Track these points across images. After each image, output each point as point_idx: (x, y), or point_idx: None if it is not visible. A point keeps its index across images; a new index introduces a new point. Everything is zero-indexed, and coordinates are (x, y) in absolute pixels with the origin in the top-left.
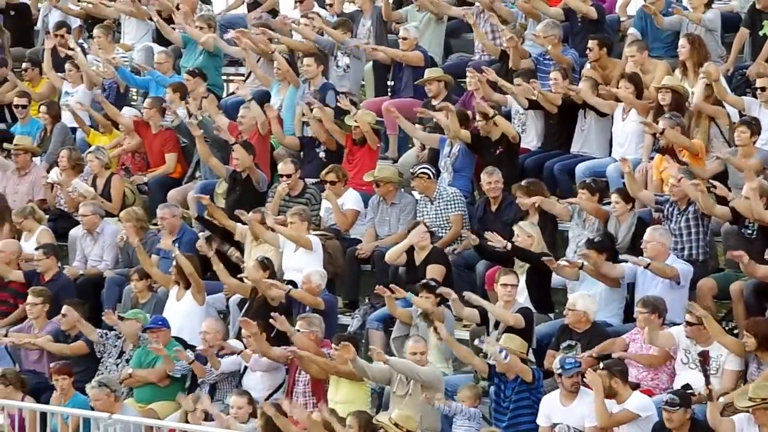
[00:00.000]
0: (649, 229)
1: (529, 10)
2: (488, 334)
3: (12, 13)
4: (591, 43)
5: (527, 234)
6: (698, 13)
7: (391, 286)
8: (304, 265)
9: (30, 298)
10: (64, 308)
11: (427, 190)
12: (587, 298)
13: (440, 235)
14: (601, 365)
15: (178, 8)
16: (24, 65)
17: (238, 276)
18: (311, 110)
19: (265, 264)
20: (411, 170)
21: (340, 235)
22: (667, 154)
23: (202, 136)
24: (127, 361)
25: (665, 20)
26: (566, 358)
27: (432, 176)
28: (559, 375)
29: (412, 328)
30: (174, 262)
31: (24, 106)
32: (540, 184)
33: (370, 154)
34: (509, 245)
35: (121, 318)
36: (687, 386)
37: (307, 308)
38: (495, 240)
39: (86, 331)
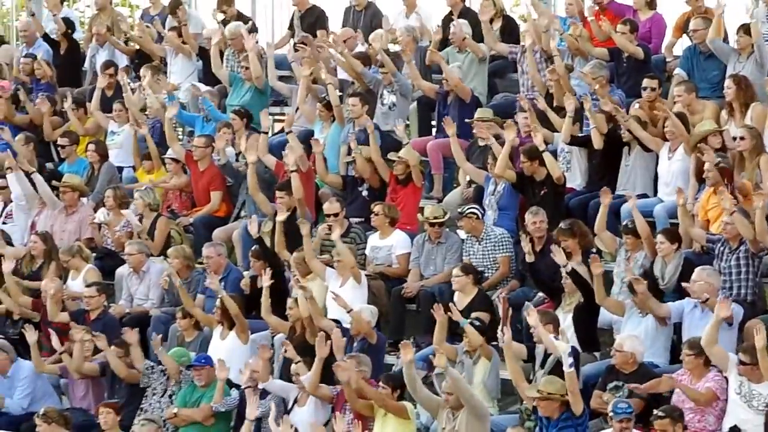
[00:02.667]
0: (697, 269)
1: (577, 46)
2: (534, 372)
3: (62, 50)
4: (649, 82)
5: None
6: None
7: (449, 304)
8: (350, 301)
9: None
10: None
11: (475, 230)
12: (635, 340)
13: (487, 275)
14: (662, 412)
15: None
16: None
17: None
18: (367, 135)
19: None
20: (459, 210)
21: (384, 275)
22: (726, 177)
23: (254, 165)
24: (170, 397)
25: (715, 42)
26: (619, 402)
27: (480, 216)
28: (611, 418)
29: (457, 365)
30: (218, 302)
31: (64, 146)
32: (580, 223)
33: (414, 193)
34: (570, 265)
35: None
36: (735, 428)
37: (354, 346)
38: (558, 256)
39: (136, 356)
